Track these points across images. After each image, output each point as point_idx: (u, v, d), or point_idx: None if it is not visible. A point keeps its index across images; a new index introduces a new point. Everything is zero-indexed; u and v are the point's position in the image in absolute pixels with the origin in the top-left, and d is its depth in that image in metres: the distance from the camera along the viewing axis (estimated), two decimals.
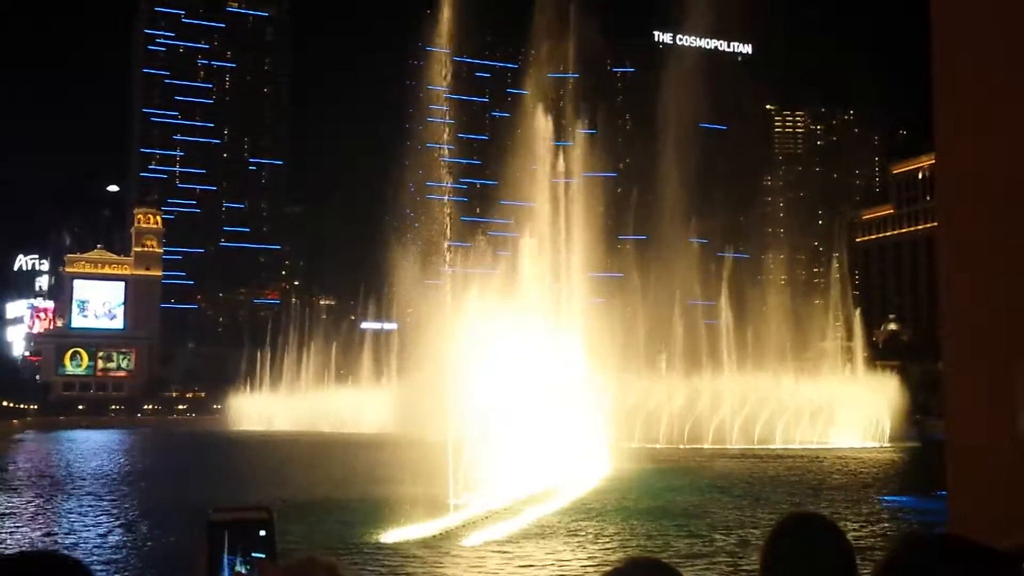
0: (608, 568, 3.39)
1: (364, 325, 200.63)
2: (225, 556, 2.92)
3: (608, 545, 33.37)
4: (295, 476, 56.98)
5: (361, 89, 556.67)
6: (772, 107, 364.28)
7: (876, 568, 3.04)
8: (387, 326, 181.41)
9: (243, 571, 2.92)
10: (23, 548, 32.32)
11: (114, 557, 32.36)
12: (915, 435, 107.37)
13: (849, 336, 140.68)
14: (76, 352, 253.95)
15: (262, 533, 2.97)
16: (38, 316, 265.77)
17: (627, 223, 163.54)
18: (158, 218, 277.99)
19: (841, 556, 3.66)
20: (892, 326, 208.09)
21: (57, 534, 37.87)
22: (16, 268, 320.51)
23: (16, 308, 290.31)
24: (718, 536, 34.90)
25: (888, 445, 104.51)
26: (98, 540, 36.27)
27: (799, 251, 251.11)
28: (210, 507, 2.99)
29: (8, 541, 35.75)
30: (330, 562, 3.25)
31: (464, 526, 35.36)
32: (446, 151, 65.76)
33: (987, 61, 6.12)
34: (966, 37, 6.24)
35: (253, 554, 2.94)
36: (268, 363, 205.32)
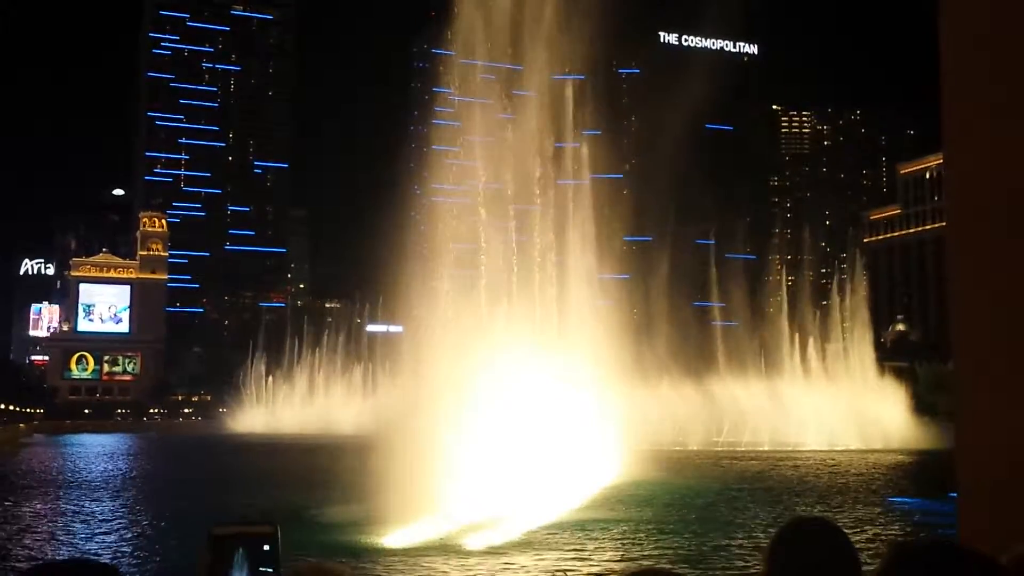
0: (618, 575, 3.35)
1: (370, 328, 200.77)
2: (231, 570, 2.92)
3: (616, 549, 33.27)
4: (300, 481, 56.92)
5: (365, 91, 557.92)
6: (779, 107, 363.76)
7: None
8: (392, 329, 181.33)
9: None
10: (54, 555, 32.37)
11: (127, 562, 32.36)
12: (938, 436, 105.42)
13: (858, 337, 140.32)
14: (82, 356, 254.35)
15: (266, 548, 2.99)
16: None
17: (633, 224, 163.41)
18: (163, 222, 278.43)
19: (844, 560, 3.61)
20: (900, 327, 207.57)
21: (75, 538, 37.89)
22: (22, 272, 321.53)
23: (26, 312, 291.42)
24: (728, 539, 34.79)
25: (895, 447, 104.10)
26: (111, 544, 36.29)
27: (806, 252, 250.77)
28: (213, 521, 3.03)
29: (30, 546, 35.72)
30: (337, 569, 3.23)
31: (468, 530, 35.25)
32: (451, 153, 65.69)
33: (996, 61, 6.06)
34: (975, 37, 6.19)
35: (260, 568, 2.95)
36: (273, 366, 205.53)
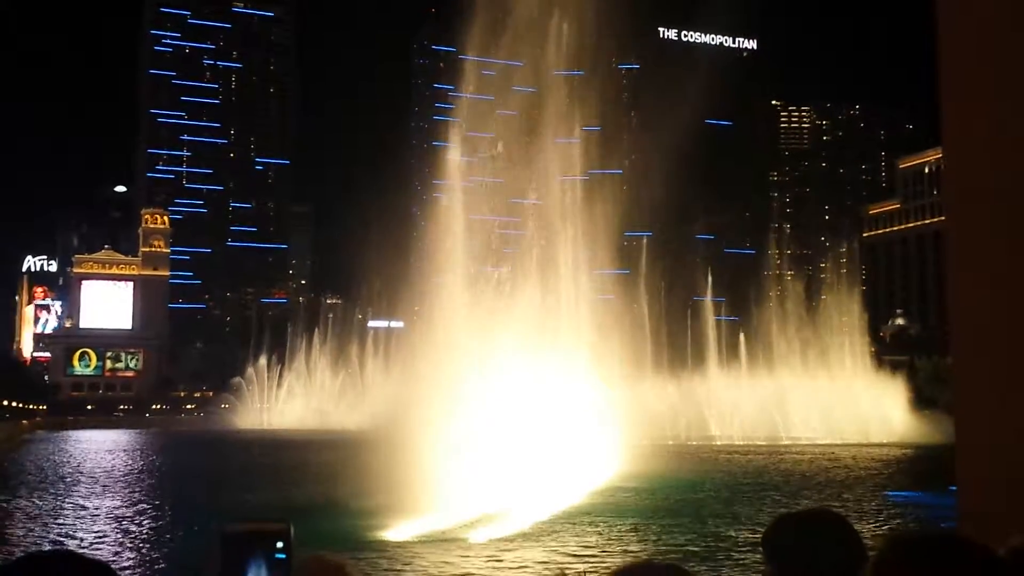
0: (619, 567, 3.27)
1: (371, 323, 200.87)
2: (245, 568, 2.87)
3: (617, 543, 33.33)
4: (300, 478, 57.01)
5: (366, 88, 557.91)
6: (778, 103, 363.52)
7: (866, 572, 3.02)
8: (394, 324, 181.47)
9: None
10: (47, 548, 32.38)
11: (129, 560, 32.43)
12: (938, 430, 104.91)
13: (858, 331, 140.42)
14: (84, 352, 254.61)
15: (279, 545, 2.92)
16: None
17: (632, 220, 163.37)
18: (165, 218, 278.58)
19: (848, 546, 3.57)
20: (899, 321, 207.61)
21: (77, 536, 37.94)
22: (24, 269, 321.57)
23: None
24: (731, 531, 34.86)
25: (895, 441, 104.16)
26: (116, 542, 36.35)
27: (806, 247, 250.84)
28: (225, 519, 2.95)
29: (35, 544, 35.78)
30: (339, 561, 3.22)
31: (471, 524, 35.32)
32: (452, 149, 65.79)
33: (993, 56, 6.10)
34: (972, 32, 6.22)
35: (273, 567, 2.90)
36: (276, 362, 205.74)
